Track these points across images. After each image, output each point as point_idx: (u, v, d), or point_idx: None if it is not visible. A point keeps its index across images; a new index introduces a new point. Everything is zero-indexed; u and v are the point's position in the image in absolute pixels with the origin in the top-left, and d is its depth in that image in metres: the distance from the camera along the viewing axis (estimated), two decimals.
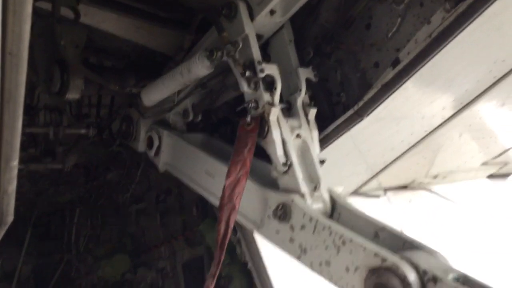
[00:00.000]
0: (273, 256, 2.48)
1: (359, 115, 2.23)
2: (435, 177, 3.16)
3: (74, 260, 4.41)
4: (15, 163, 1.41)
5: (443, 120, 2.77)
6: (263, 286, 2.45)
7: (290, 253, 1.84)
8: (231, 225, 1.76)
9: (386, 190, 3.04)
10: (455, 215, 3.23)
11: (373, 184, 2.88)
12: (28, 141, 2.74)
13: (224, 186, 1.85)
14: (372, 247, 1.60)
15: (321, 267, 1.73)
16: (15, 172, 1.43)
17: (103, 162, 4.06)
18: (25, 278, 4.64)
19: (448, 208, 3.24)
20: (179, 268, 3.98)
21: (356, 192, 2.82)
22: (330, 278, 1.71)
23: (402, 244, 1.68)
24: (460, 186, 3.38)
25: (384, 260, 1.55)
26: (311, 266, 1.77)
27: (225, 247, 1.74)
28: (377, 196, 2.97)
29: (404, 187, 3.17)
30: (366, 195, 2.88)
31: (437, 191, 3.28)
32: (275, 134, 1.92)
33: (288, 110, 2.10)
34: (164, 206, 4.10)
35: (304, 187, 1.88)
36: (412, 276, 1.49)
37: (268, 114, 1.93)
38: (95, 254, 4.34)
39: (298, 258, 1.81)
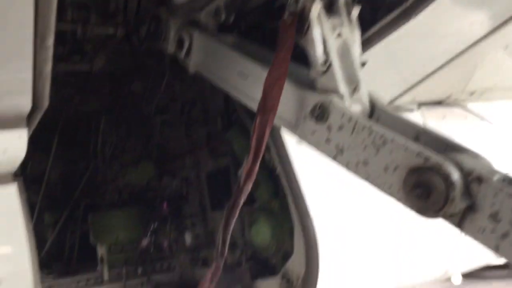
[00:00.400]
0: (303, 162, 2.48)
1: (404, 18, 2.10)
2: (472, 93, 3.05)
3: (101, 166, 4.50)
4: (50, 42, 1.36)
5: (487, 31, 2.61)
6: (291, 191, 2.47)
7: (325, 153, 1.82)
8: (270, 127, 1.72)
9: (420, 104, 2.96)
10: (489, 134, 3.16)
11: (408, 97, 2.79)
12: (56, 40, 2.67)
13: (264, 88, 1.79)
14: (414, 146, 1.57)
15: (357, 167, 1.70)
16: (50, 52, 1.38)
17: (128, 71, 4.01)
18: (53, 183, 4.77)
19: (482, 127, 3.17)
20: (203, 177, 4.04)
21: (389, 105, 2.75)
22: (367, 178, 1.70)
23: (444, 147, 1.64)
24: (497, 105, 3.28)
25: (427, 159, 1.52)
26: (347, 166, 1.75)
27: (263, 149, 1.71)
28: (411, 111, 2.90)
29: (439, 103, 3.08)
30: (400, 109, 2.80)
31: (472, 108, 3.18)
32: (316, 32, 1.83)
33: (330, 8, 1.98)
34: (188, 117, 4.09)
35: (343, 88, 1.81)
36: (455, 175, 1.46)
37: (309, 10, 1.82)
38: (121, 162, 4.42)
39: (334, 158, 1.79)
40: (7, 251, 1.86)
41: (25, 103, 1.58)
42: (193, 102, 4.04)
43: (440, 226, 3.05)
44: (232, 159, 3.53)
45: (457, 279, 6.16)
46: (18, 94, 1.53)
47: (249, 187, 1.75)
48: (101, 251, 4.14)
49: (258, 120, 1.73)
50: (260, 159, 1.72)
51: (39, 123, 1.95)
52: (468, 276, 8.76)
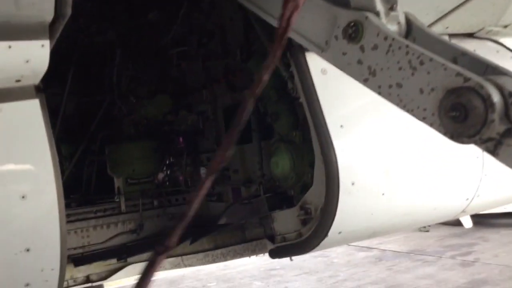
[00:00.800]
0: (327, 90, 2.41)
1: None
2: (505, 26, 2.91)
3: (117, 100, 4.45)
4: None
5: None
6: (314, 121, 2.41)
7: (356, 76, 1.74)
8: (291, 23, 1.61)
9: (450, 36, 2.83)
10: None
11: (438, 28, 2.66)
12: None
13: None
14: (454, 66, 1.49)
15: (390, 89, 1.64)
16: None
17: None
18: (69, 116, 4.75)
19: None
20: (220, 112, 3.99)
21: None
22: (399, 101, 1.63)
23: (484, 69, 1.56)
24: None
25: (467, 79, 1.45)
26: (379, 89, 1.68)
27: (283, 44, 1.61)
28: None
29: (470, 35, 2.95)
30: None
31: (505, 43, 3.05)
32: None
33: None
34: (206, 50, 3.98)
35: (379, 5, 1.71)
36: (496, 97, 1.40)
37: None
38: (137, 95, 4.37)
39: (365, 81, 1.72)
40: (31, 167, 1.86)
41: (47, 11, 1.51)
42: (211, 34, 3.92)
43: (459, 165, 3.01)
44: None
45: (468, 223, 6.24)
46: (40, 0, 1.45)
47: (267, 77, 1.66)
48: (118, 183, 4.19)
49: (283, 19, 1.62)
50: (278, 56, 1.62)
51: (54, 53, 1.89)
52: (477, 223, 8.89)
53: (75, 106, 4.82)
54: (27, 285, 1.89)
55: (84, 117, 4.74)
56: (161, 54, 4.34)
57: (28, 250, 1.84)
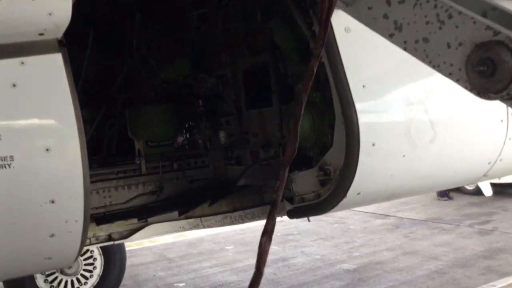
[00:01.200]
0: (350, 49, 2.37)
1: None
2: None
3: (137, 63, 4.45)
4: None
5: None
6: (336, 81, 2.38)
7: (381, 31, 1.70)
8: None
9: None
10: None
11: None
12: None
13: None
14: (484, 20, 1.44)
15: (417, 44, 1.60)
16: None
17: None
18: (90, 79, 4.77)
19: None
20: (240, 75, 3.97)
21: None
22: (425, 57, 1.59)
23: None
24: None
25: (496, 33, 1.40)
26: (405, 44, 1.64)
27: (329, 26, 1.60)
28: None
29: None
30: None
31: None
32: None
33: None
34: (226, 11, 3.93)
35: None
36: None
37: None
38: (156, 58, 4.36)
39: (391, 36, 1.68)
40: (54, 121, 1.89)
41: None
42: None
43: (483, 128, 2.95)
44: (272, 54, 3.42)
45: (488, 191, 6.18)
46: None
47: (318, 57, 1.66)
48: (138, 145, 4.24)
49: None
50: (324, 42, 1.61)
51: (74, 17, 1.88)
52: (498, 192, 8.80)
53: (96, 69, 4.84)
54: (52, 235, 1.96)
55: (104, 80, 4.76)
56: (181, 17, 4.30)
57: (53, 201, 1.89)
